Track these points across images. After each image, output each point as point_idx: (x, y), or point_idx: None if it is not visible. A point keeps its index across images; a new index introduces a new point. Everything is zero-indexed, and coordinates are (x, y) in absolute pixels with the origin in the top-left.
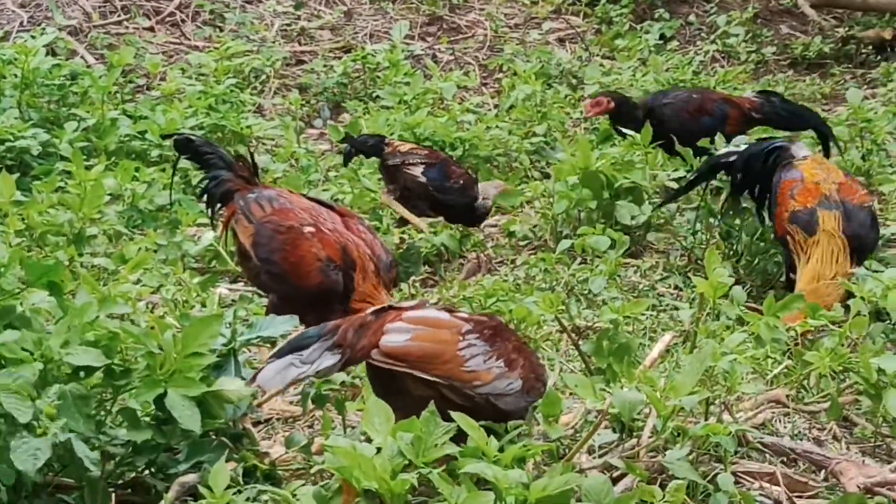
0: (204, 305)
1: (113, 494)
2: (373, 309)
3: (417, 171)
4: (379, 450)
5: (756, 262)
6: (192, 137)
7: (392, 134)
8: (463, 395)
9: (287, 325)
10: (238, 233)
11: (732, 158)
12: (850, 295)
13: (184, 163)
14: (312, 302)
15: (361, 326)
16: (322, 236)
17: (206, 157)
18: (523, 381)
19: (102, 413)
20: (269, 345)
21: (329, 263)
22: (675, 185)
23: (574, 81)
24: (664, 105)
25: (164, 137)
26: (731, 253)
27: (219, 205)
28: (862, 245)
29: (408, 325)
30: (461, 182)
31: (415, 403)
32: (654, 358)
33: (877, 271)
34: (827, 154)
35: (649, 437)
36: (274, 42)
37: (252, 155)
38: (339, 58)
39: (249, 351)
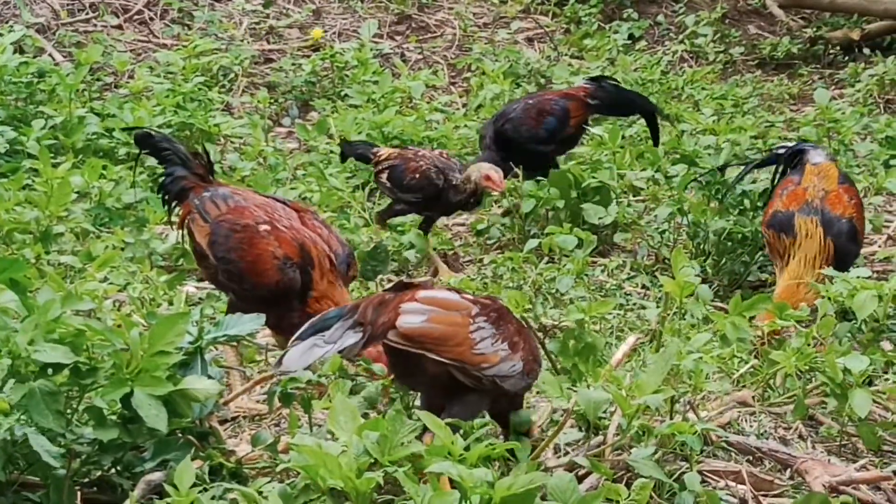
0: (171, 304)
1: (79, 493)
2: (390, 286)
3: (384, 177)
4: (345, 448)
5: (723, 261)
6: (153, 133)
7: (360, 133)
8: (471, 377)
9: (254, 324)
10: (194, 232)
11: (781, 152)
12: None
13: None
14: (271, 300)
15: (380, 304)
16: (278, 234)
17: (164, 154)
18: (524, 363)
19: (69, 411)
20: (234, 343)
21: (286, 261)
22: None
23: (542, 81)
24: (505, 123)
25: (127, 131)
26: (699, 252)
27: (174, 203)
28: (839, 255)
29: (423, 305)
30: (416, 176)
31: (431, 381)
32: (620, 359)
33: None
34: (656, 141)
35: (615, 436)
36: (242, 40)
37: (207, 151)
38: (308, 56)
39: (216, 349)
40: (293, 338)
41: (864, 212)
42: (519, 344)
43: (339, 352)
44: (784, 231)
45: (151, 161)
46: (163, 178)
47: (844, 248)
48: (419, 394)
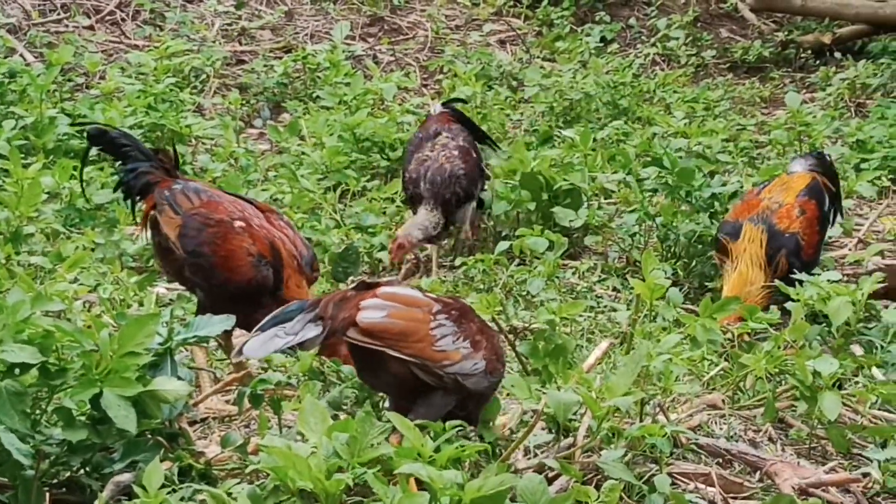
0: (141, 304)
1: (47, 494)
2: (353, 284)
3: None
4: (314, 450)
5: (693, 264)
6: (107, 129)
7: (332, 135)
8: (433, 375)
9: (224, 325)
10: (162, 224)
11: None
12: (776, 301)
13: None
14: (240, 297)
15: (342, 300)
16: (252, 231)
17: (124, 149)
18: (486, 361)
19: (38, 412)
20: (204, 344)
21: (260, 258)
22: None
23: (514, 83)
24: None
25: (74, 125)
26: (669, 255)
27: (138, 198)
28: (777, 267)
29: (383, 301)
30: None
31: (395, 381)
32: (592, 364)
33: (813, 274)
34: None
35: (584, 438)
36: (214, 42)
37: (174, 147)
38: (280, 58)
39: (186, 350)
40: (255, 328)
41: (819, 226)
42: (481, 343)
43: (299, 344)
44: (731, 237)
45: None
46: (123, 174)
47: (780, 260)
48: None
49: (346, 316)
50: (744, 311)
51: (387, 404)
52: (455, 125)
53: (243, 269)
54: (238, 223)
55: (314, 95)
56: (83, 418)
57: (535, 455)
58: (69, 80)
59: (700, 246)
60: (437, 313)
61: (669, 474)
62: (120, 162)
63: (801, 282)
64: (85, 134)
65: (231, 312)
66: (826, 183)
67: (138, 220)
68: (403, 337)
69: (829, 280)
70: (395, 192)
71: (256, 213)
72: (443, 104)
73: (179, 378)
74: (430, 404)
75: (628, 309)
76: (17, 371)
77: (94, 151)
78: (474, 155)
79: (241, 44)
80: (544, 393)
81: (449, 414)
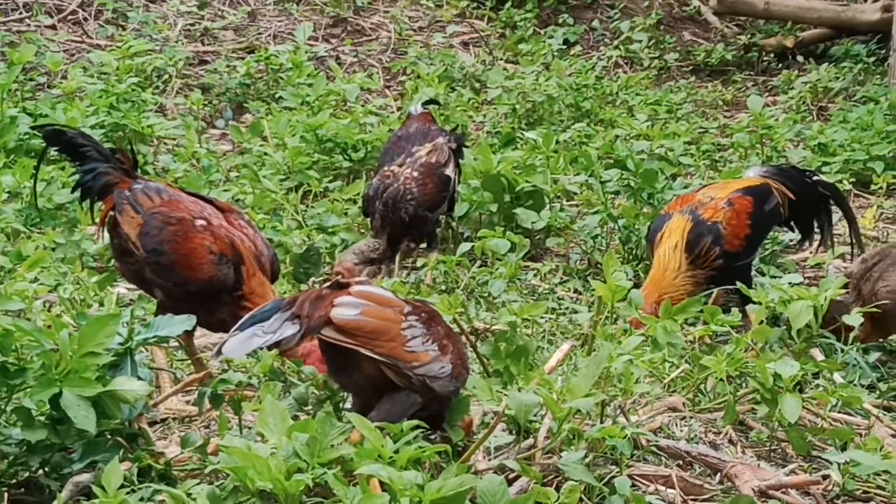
0: (101, 304)
1: (6, 494)
2: (329, 283)
3: None
4: (274, 450)
5: None
6: (63, 129)
7: (294, 135)
8: (402, 376)
9: (185, 325)
10: (122, 224)
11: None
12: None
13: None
14: (201, 296)
15: (318, 298)
16: (213, 230)
17: (82, 150)
18: (453, 365)
19: None
20: (164, 345)
21: (221, 257)
22: None
23: (477, 85)
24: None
25: (34, 129)
26: (631, 257)
27: (97, 198)
28: (696, 250)
29: (356, 299)
30: None
31: (365, 381)
32: (553, 366)
33: (774, 277)
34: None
35: (545, 439)
36: (177, 42)
37: (132, 148)
38: (243, 58)
39: (146, 350)
40: (233, 328)
41: (750, 220)
42: (448, 346)
43: (277, 342)
44: (658, 229)
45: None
46: (80, 174)
47: (701, 248)
48: (351, 396)
49: (322, 314)
50: (707, 315)
51: (348, 405)
52: (436, 127)
53: (204, 268)
54: (199, 222)
55: (277, 96)
56: (42, 418)
57: (496, 456)
58: (31, 80)
59: None
60: (409, 314)
61: (630, 476)
62: (78, 163)
63: (762, 285)
64: (41, 135)
65: (191, 312)
66: (784, 192)
67: (97, 220)
68: (376, 335)
69: (789, 283)
70: (357, 194)
71: (216, 212)
72: (423, 104)
73: (139, 378)
74: (396, 403)
75: (590, 311)
76: None
77: (52, 152)
78: (438, 180)
79: (203, 44)
80: (505, 394)
81: (415, 414)
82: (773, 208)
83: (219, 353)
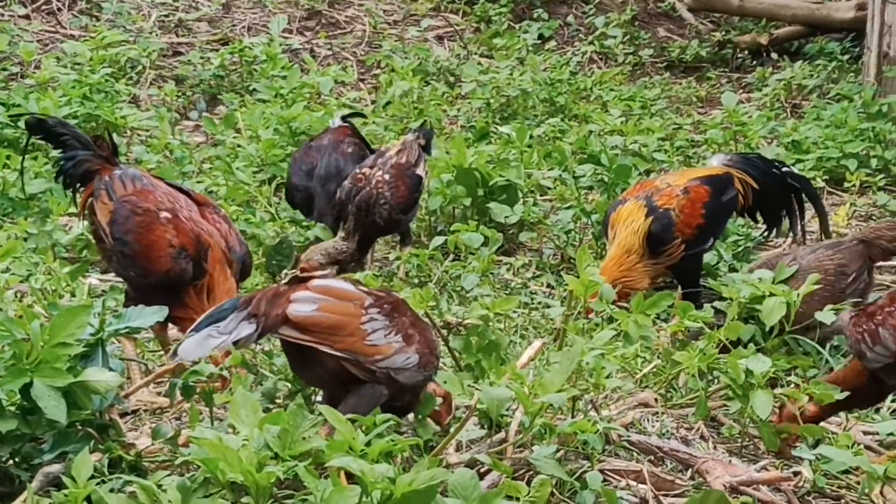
0: (73, 295)
1: None
2: (287, 279)
3: None
4: (245, 442)
5: None
6: (44, 118)
7: (268, 128)
8: (364, 370)
9: (156, 316)
10: (97, 210)
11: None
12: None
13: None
14: (160, 288)
15: (274, 296)
16: (178, 223)
17: (62, 138)
18: (420, 356)
19: None
20: (135, 336)
21: (181, 251)
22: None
23: (452, 79)
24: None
25: (13, 119)
26: (604, 252)
27: (78, 185)
28: (649, 240)
29: (314, 294)
30: None
31: (328, 376)
32: (525, 362)
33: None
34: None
35: (516, 434)
36: (151, 32)
37: (110, 135)
38: (217, 50)
39: (118, 342)
40: (189, 329)
41: (704, 209)
42: (414, 336)
43: (234, 343)
44: (613, 212)
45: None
46: (62, 162)
47: (654, 235)
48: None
49: (279, 312)
50: (679, 311)
51: (319, 398)
52: (349, 140)
53: (162, 260)
54: (164, 214)
55: (250, 88)
56: (13, 408)
57: (468, 450)
58: (4, 70)
59: None
60: (369, 307)
61: (601, 471)
62: (60, 150)
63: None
64: (23, 124)
65: (153, 304)
66: (748, 181)
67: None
68: (334, 331)
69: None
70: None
71: (190, 205)
72: (342, 118)
73: (111, 369)
74: (361, 397)
75: (562, 305)
76: None
77: (31, 140)
78: (409, 181)
79: (177, 35)
80: (477, 389)
81: (385, 405)
82: (730, 199)
83: (174, 354)
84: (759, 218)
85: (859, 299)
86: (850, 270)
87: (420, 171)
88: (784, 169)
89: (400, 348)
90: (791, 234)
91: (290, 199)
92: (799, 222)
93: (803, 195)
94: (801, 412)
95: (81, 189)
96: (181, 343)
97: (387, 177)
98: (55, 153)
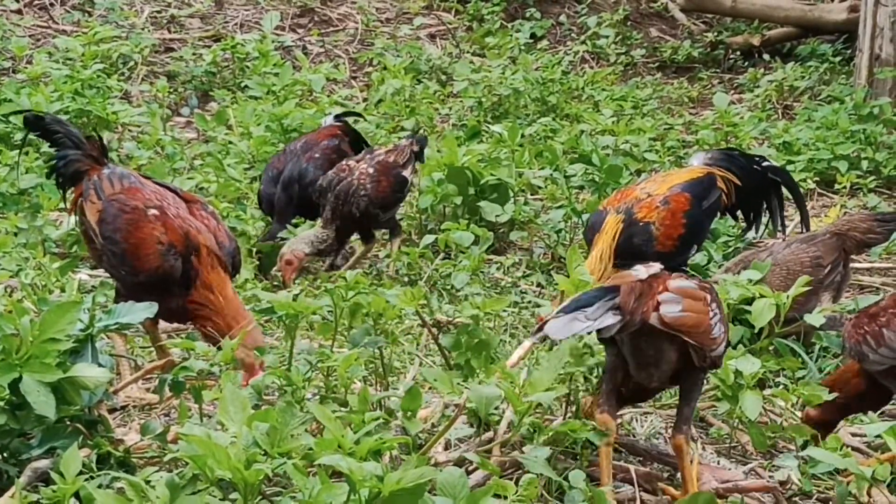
0: (63, 291)
1: None
2: (647, 275)
3: None
4: (234, 439)
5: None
6: (42, 115)
7: (259, 125)
8: (703, 358)
9: (146, 312)
10: (86, 210)
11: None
12: None
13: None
14: (149, 286)
15: (641, 295)
16: (166, 220)
17: (56, 136)
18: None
19: None
20: (126, 333)
21: (170, 248)
22: None
23: (444, 77)
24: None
25: (5, 115)
26: None
27: (68, 185)
28: (626, 255)
29: (676, 295)
30: None
31: (667, 366)
32: (515, 362)
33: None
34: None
35: (505, 433)
36: (143, 29)
37: (100, 135)
38: (209, 46)
39: (107, 337)
40: (557, 309)
41: (685, 219)
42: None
43: (598, 329)
44: (595, 226)
45: (45, 145)
46: (55, 161)
47: (631, 249)
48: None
49: (645, 311)
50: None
51: (308, 395)
52: (325, 143)
53: (151, 258)
54: (152, 211)
55: (242, 85)
56: (2, 403)
57: (457, 449)
58: None
59: None
60: (711, 302)
61: (588, 471)
62: (54, 149)
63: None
64: (22, 120)
65: (144, 301)
66: (730, 178)
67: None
68: (695, 327)
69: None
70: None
71: (178, 202)
72: (335, 116)
73: (100, 365)
74: (696, 384)
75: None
76: None
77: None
78: (393, 179)
79: (170, 31)
80: (466, 387)
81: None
82: (712, 204)
83: (540, 331)
84: (740, 216)
85: (835, 292)
86: (826, 262)
87: (407, 173)
88: (765, 164)
89: (724, 336)
90: (777, 232)
91: (259, 205)
92: (779, 215)
93: (783, 188)
94: (808, 417)
95: (72, 190)
96: (547, 321)
97: (370, 171)
98: (48, 149)
